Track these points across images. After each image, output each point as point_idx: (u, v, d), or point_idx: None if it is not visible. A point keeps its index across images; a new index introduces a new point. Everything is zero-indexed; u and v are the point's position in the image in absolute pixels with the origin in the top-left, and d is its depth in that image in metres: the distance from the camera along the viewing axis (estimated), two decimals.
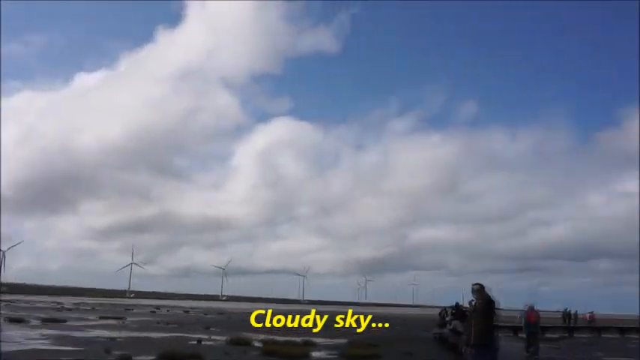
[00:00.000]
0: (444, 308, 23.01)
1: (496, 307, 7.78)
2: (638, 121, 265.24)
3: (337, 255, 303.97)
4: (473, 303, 8.07)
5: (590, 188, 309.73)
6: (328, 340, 22.61)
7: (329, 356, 16.12)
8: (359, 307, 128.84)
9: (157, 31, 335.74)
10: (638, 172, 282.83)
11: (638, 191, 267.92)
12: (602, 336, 34.80)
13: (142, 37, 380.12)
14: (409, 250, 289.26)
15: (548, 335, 31.38)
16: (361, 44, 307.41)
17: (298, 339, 20.69)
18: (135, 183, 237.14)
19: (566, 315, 45.56)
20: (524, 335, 20.51)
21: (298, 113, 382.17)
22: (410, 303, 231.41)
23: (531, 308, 19.95)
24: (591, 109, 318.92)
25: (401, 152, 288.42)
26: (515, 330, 27.04)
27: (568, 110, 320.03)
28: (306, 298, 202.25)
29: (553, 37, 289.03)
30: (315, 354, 16.33)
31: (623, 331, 36.88)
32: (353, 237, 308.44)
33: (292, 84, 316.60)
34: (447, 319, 21.64)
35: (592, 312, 46.84)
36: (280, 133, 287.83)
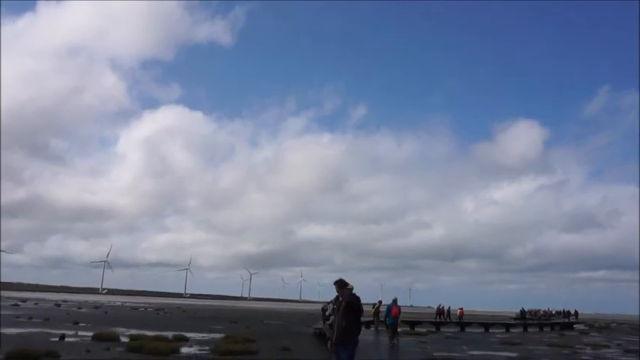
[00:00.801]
0: (327, 303, 23.43)
1: (358, 303, 7.81)
2: (509, 136, 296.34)
3: (223, 249, 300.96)
4: (339, 299, 8.05)
5: (463, 194, 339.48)
6: (205, 334, 21.94)
7: (200, 352, 15.45)
8: (243, 302, 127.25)
9: (39, 1, 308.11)
10: (505, 183, 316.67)
11: (501, 199, 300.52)
12: (467, 330, 37.93)
13: (21, 6, 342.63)
14: (296, 246, 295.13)
15: (417, 329, 33.53)
16: (257, 40, 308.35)
17: (170, 333, 19.78)
18: (5, 163, 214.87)
19: (440, 310, 48.95)
20: (382, 328, 21.84)
21: (189, 102, 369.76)
22: (297, 298, 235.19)
23: (395, 302, 21.77)
24: (470, 121, 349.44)
25: (293, 151, 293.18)
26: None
27: (451, 120, 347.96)
28: (190, 292, 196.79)
29: (446, 49, 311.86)
30: (185, 349, 15.57)
31: (487, 326, 40.40)
32: (240, 232, 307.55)
33: (184, 72, 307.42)
34: (327, 313, 22.07)
35: (462, 308, 50.93)
36: (170, 121, 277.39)
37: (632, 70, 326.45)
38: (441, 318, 46.53)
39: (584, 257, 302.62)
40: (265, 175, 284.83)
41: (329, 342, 8.61)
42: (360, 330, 7.89)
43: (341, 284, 7.97)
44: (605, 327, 55.70)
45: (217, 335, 21.25)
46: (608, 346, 26.08)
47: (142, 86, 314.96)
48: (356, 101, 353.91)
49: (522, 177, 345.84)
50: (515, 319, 56.10)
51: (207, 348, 16.20)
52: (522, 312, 59.76)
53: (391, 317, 21.12)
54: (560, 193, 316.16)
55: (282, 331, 27.56)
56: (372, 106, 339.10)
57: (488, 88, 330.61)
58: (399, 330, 22.73)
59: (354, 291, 7.94)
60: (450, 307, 50.54)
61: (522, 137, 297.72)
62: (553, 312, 65.23)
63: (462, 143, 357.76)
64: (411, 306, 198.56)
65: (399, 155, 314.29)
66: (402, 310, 22.92)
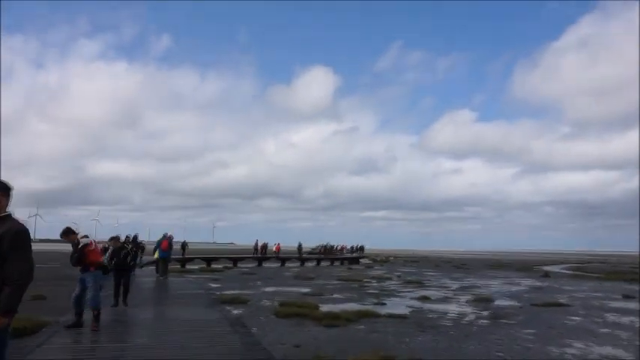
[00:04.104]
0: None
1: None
2: (305, 81, 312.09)
3: None
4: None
5: (263, 136, 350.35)
6: None
7: None
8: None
9: None
10: (304, 127, 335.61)
11: (299, 142, 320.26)
12: (264, 265, 37.56)
13: None
14: (88, 183, 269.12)
15: (214, 266, 31.72)
16: None
17: None
18: None
19: (256, 246, 47.98)
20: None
21: None
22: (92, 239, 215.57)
23: (165, 236, 20.91)
24: (273, 64, 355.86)
25: (84, 78, 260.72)
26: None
27: (255, 60, 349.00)
28: None
29: None
30: None
31: (283, 260, 40.79)
32: (22, 165, 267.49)
33: None
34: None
35: (278, 244, 50.45)
36: None
37: (424, 30, 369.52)
38: (258, 253, 45.77)
39: (369, 198, 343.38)
40: (52, 103, 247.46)
41: None
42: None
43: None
44: (385, 261, 62.56)
45: None
46: (390, 278, 27.83)
47: None
48: (159, 31, 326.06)
49: (316, 122, 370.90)
50: (314, 252, 59.00)
51: None
52: (325, 247, 63.14)
53: (161, 250, 20.18)
54: (350, 140, 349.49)
55: (49, 276, 22.57)
56: (177, 38, 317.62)
57: (293, 33, 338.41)
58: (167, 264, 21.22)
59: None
60: (267, 243, 49.80)
61: (318, 84, 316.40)
62: (348, 247, 70.49)
63: (265, 85, 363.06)
64: (214, 243, 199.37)
65: (202, 93, 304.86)
66: (207, 248, 20.75)
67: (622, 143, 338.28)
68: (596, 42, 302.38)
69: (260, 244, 48.40)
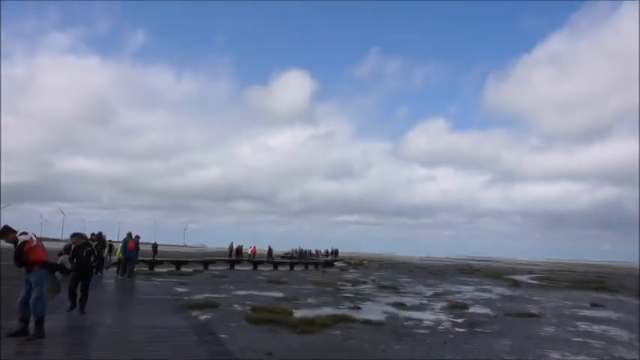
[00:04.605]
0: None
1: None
2: (281, 84, 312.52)
3: None
4: None
5: (238, 137, 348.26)
6: None
7: None
8: None
9: None
10: (280, 130, 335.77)
11: (274, 145, 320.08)
12: (236, 268, 36.88)
13: None
14: (55, 179, 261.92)
15: (184, 269, 30.91)
16: None
17: None
18: None
19: (231, 249, 47.32)
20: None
21: None
22: (58, 237, 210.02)
23: (130, 236, 21.03)
24: (250, 66, 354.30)
25: (53, 71, 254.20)
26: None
27: (232, 61, 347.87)
28: None
29: None
30: None
31: (255, 264, 40.13)
32: None
33: None
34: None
35: (254, 246, 49.96)
36: None
37: (400, 38, 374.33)
38: (232, 255, 45.10)
39: (343, 203, 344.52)
40: (18, 95, 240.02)
41: None
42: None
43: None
44: (360, 264, 62.55)
45: None
46: (365, 282, 27.65)
47: None
48: (135, 26, 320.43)
49: (292, 126, 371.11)
50: (288, 256, 58.64)
51: None
52: (300, 251, 62.91)
53: (127, 251, 20.32)
54: (326, 144, 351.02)
55: (8, 275, 21.52)
56: (152, 35, 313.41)
57: (271, 36, 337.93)
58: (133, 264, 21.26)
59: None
60: (242, 246, 49.20)
61: (295, 88, 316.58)
62: (322, 251, 70.32)
63: (241, 86, 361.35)
64: (185, 245, 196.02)
65: (177, 92, 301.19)
66: (178, 251, 20.48)
67: (587, 156, 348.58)
68: (564, 58, 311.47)
69: (235, 246, 47.83)
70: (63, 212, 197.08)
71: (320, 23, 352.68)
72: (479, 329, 12.09)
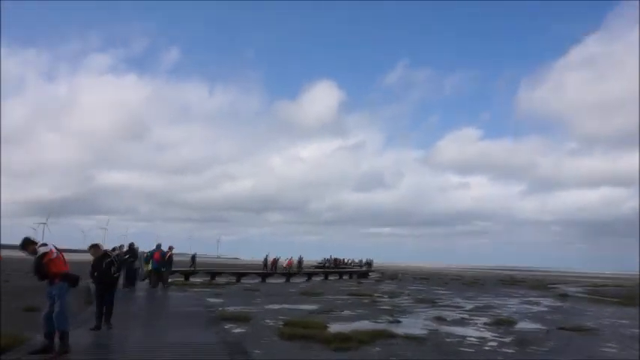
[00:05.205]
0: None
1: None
2: (311, 97, 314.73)
3: (9, 194, 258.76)
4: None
5: (270, 149, 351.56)
6: None
7: None
8: None
9: None
10: (310, 142, 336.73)
11: (305, 157, 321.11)
12: (268, 281, 36.36)
13: None
14: (96, 193, 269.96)
15: (218, 280, 30.65)
16: None
17: None
18: None
19: (266, 262, 46.80)
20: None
21: None
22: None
23: (158, 247, 21.69)
24: (279, 79, 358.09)
25: (94, 90, 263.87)
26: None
27: (262, 75, 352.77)
28: None
29: (256, 8, 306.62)
30: None
31: (289, 276, 39.50)
32: (31, 175, 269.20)
33: None
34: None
35: (290, 258, 49.01)
36: None
37: (429, 48, 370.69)
38: (267, 268, 44.61)
39: (375, 213, 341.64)
40: (62, 114, 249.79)
41: None
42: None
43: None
44: (395, 277, 61.03)
45: None
46: (402, 293, 26.64)
47: None
48: (168, 43, 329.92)
49: (322, 137, 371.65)
50: (321, 266, 57.71)
51: None
52: (334, 260, 61.93)
53: (154, 262, 21.15)
54: (356, 155, 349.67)
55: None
56: (186, 52, 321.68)
57: (299, 49, 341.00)
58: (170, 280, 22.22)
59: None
60: (278, 258, 48.47)
61: (323, 99, 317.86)
62: (356, 261, 68.99)
63: (271, 99, 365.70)
64: (218, 257, 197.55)
65: (209, 106, 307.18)
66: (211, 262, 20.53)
67: (629, 159, 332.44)
68: (600, 60, 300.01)
69: (270, 259, 46.98)
70: (105, 227, 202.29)
71: (347, 34, 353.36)
72: (532, 347, 11.03)
